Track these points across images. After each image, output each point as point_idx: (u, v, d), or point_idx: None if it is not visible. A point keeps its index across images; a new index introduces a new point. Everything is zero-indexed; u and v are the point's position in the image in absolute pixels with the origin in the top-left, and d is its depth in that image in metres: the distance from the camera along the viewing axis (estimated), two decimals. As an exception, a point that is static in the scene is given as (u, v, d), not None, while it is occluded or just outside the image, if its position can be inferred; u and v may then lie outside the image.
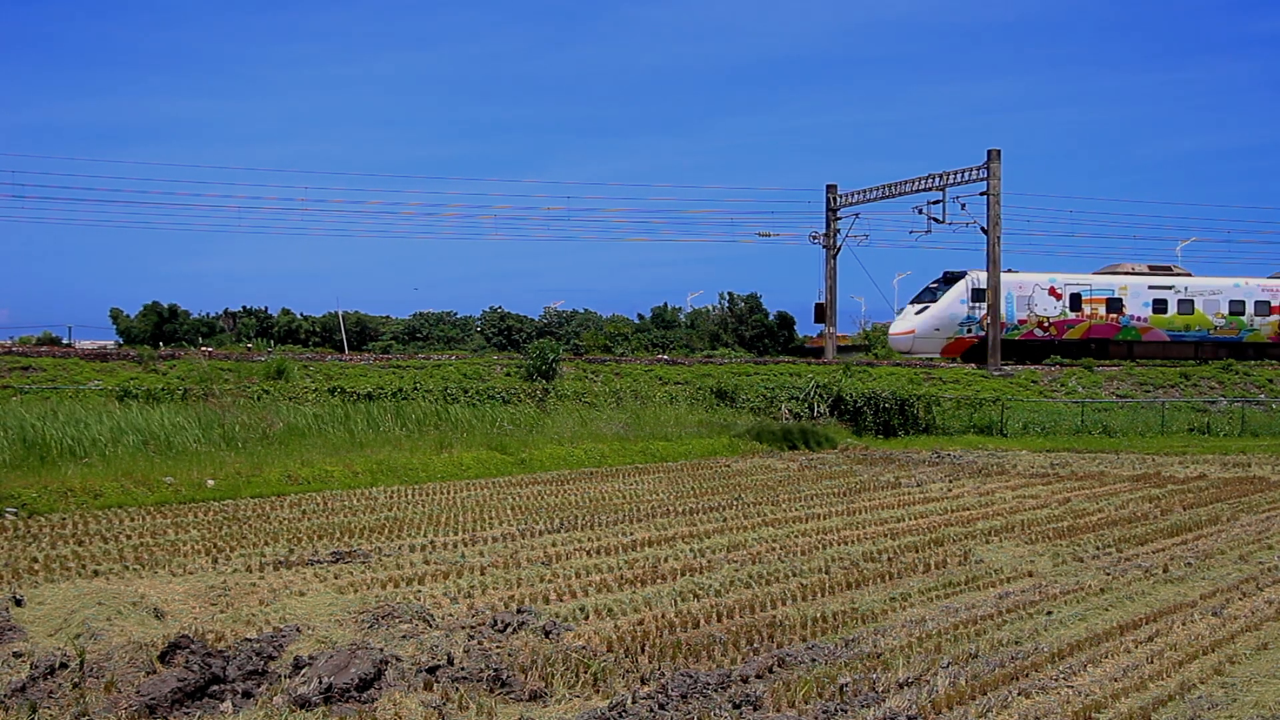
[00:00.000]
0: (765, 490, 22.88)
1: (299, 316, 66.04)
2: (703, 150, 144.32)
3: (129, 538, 15.91)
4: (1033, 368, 47.96)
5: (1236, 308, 51.75)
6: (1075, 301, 50.96)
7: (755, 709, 8.95)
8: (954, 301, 50.40)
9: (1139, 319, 51.12)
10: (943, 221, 51.62)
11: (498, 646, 10.52)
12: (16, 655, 9.91)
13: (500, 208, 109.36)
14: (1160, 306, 51.45)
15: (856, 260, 54.90)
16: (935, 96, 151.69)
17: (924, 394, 41.27)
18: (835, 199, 57.52)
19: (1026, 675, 9.81)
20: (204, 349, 41.54)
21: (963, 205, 50.72)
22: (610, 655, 10.27)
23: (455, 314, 68.77)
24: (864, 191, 56.14)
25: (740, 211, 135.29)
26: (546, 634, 10.93)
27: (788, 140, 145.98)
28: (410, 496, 21.15)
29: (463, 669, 9.71)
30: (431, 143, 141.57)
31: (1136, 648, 10.84)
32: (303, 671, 9.42)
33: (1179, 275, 53.04)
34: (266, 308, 67.97)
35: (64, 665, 9.38)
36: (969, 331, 49.86)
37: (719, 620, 11.84)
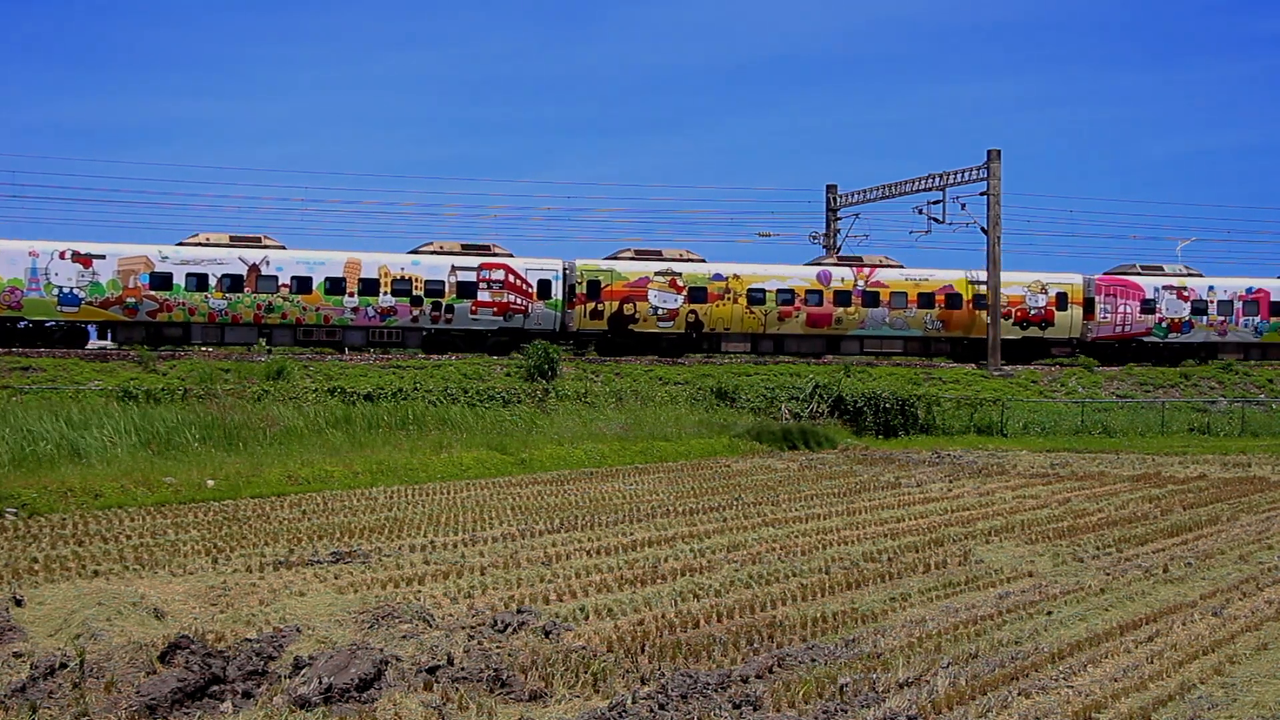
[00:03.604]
0: (765, 490, 22.87)
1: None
2: (703, 150, 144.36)
3: (129, 538, 15.91)
4: (1033, 367, 47.90)
5: None
6: None
7: (755, 709, 8.95)
8: None
9: None
10: (943, 221, 51.57)
11: (498, 647, 10.52)
12: (17, 655, 9.91)
13: (497, 208, 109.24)
14: None
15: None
16: (935, 96, 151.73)
17: (924, 394, 41.26)
18: (835, 199, 57.50)
19: (1026, 675, 9.81)
20: (204, 349, 41.51)
21: (963, 205, 50.71)
22: (610, 655, 10.27)
23: None
24: (864, 191, 56.13)
25: (740, 211, 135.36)
26: (546, 634, 10.93)
27: (788, 140, 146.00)
28: (410, 496, 21.14)
29: (463, 669, 9.71)
30: (431, 143, 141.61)
31: (1136, 648, 10.84)
32: (303, 672, 9.42)
33: None
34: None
35: (64, 665, 9.38)
36: None
37: (719, 620, 11.84)
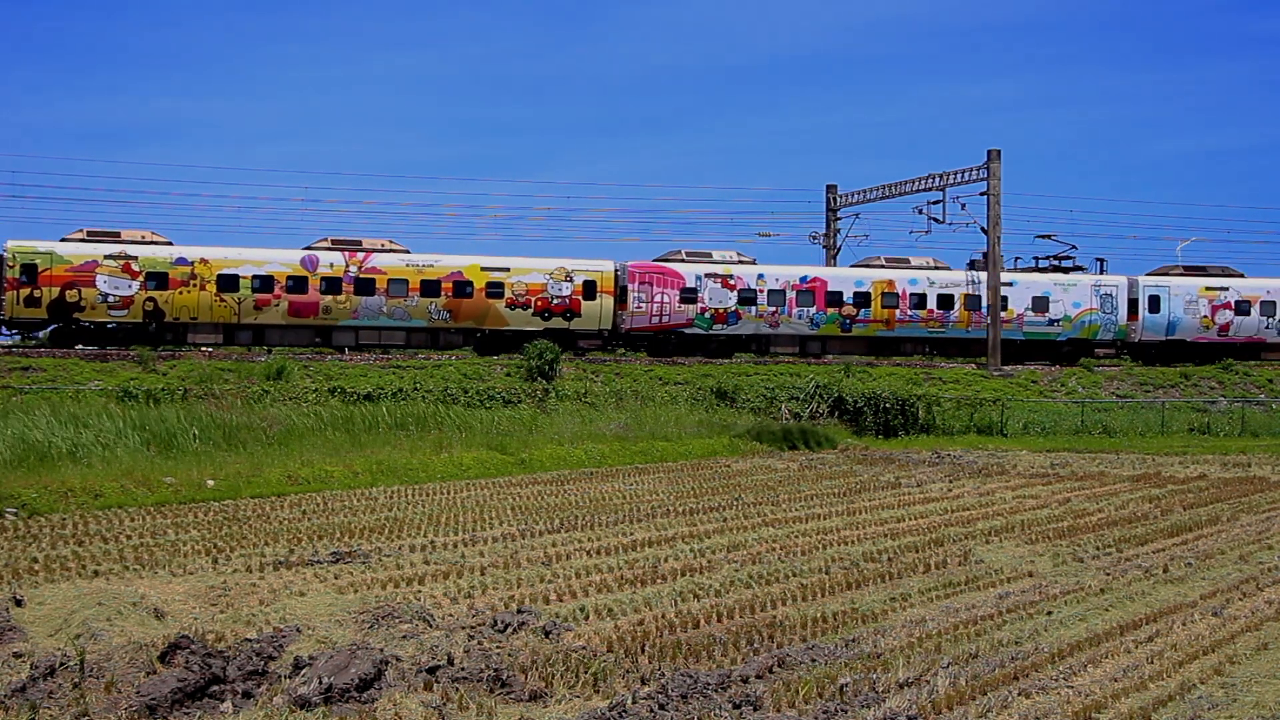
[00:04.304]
0: (765, 490, 22.87)
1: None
2: (703, 150, 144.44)
3: (129, 538, 15.91)
4: (1033, 367, 47.88)
5: None
6: None
7: (755, 709, 8.95)
8: None
9: None
10: (943, 221, 51.59)
11: (498, 647, 10.52)
12: (17, 655, 9.91)
13: (494, 208, 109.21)
14: None
15: (854, 259, 54.51)
16: (935, 96, 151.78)
17: (924, 394, 41.26)
18: (835, 199, 57.51)
19: (1026, 675, 9.81)
20: (204, 349, 41.53)
21: (963, 205, 50.73)
22: (610, 655, 10.27)
23: None
24: (864, 191, 56.14)
25: (740, 211, 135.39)
26: (546, 634, 10.93)
27: (788, 140, 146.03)
28: (410, 496, 21.15)
29: (463, 669, 9.71)
30: (431, 143, 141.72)
31: (1136, 648, 10.84)
32: (303, 672, 9.42)
33: None
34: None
35: (64, 665, 9.38)
36: None
37: (719, 620, 11.84)
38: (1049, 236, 53.71)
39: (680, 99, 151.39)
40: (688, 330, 45.86)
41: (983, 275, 48.81)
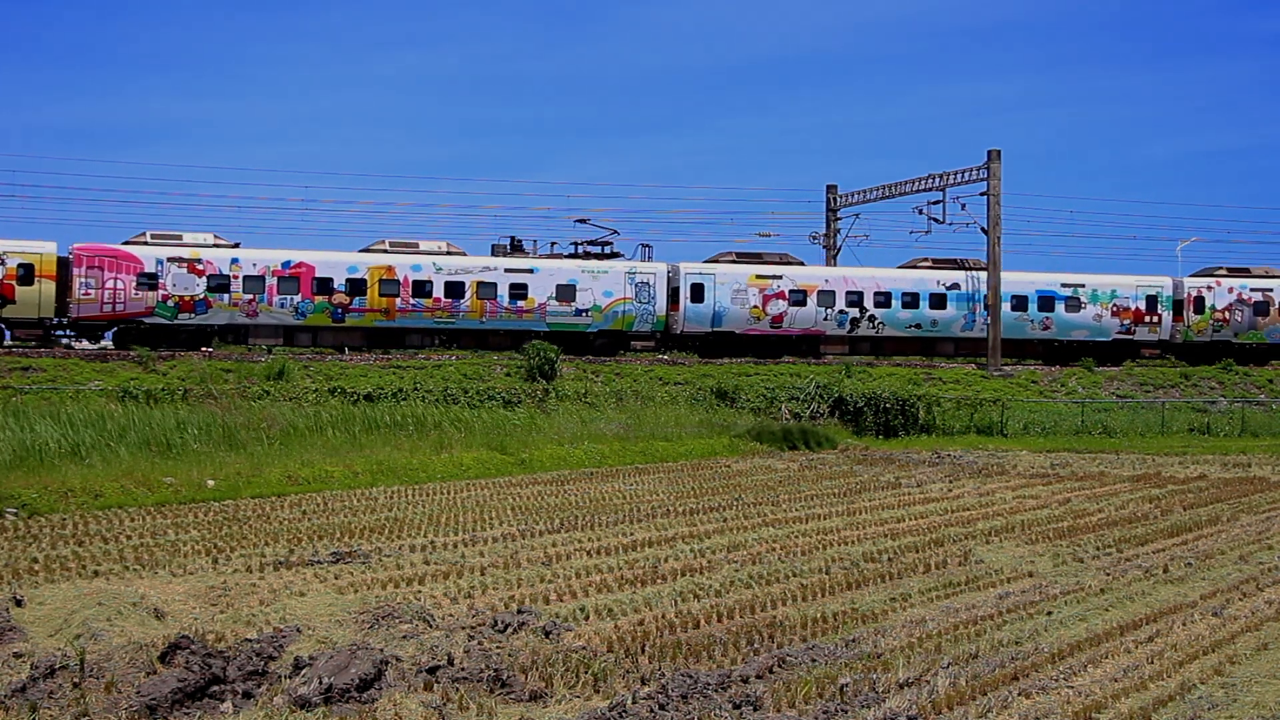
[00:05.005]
0: (765, 490, 22.87)
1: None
2: (702, 150, 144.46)
3: (129, 538, 15.92)
4: (1033, 368, 47.85)
5: None
6: None
7: (755, 709, 8.95)
8: None
9: None
10: (943, 221, 51.59)
11: (498, 647, 10.52)
12: (17, 655, 9.92)
13: (494, 207, 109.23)
14: None
15: (856, 260, 54.52)
16: (935, 96, 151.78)
17: (924, 394, 41.27)
18: (835, 199, 57.51)
19: (1027, 675, 9.81)
20: (203, 349, 41.52)
21: (963, 205, 50.70)
22: (610, 655, 10.27)
23: None
24: (864, 191, 56.14)
25: (740, 211, 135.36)
26: (546, 634, 10.93)
27: (788, 140, 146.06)
28: (410, 497, 21.14)
29: (463, 669, 9.71)
30: (431, 143, 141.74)
31: (1136, 648, 10.84)
32: (303, 672, 9.43)
33: None
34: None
35: (64, 665, 9.38)
36: None
37: (719, 620, 11.84)
38: (586, 220, 50.13)
39: (680, 99, 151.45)
40: (148, 319, 41.88)
41: (502, 261, 45.12)
